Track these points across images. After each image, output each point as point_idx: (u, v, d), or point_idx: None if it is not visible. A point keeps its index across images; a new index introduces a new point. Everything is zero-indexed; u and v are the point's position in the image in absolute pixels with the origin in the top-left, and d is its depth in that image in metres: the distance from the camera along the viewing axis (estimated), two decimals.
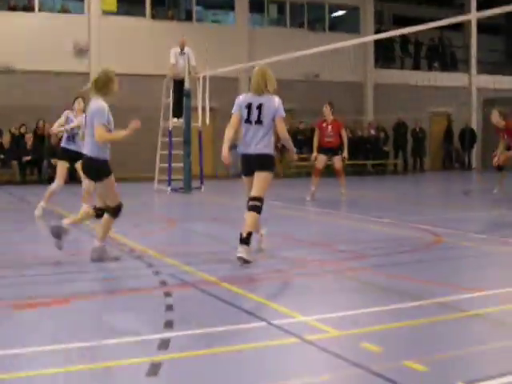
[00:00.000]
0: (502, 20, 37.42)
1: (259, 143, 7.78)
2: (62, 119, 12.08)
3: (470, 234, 9.66)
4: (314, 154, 15.36)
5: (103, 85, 7.61)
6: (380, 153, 28.03)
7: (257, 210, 7.66)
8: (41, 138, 21.92)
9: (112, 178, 7.61)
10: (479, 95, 31.55)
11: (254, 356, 4.43)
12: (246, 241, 7.41)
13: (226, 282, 6.48)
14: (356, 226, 11.12)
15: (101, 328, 5.05)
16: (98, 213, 7.79)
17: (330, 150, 15.49)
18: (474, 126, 32.33)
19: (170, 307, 5.50)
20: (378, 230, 10.61)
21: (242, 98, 7.94)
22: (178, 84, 17.94)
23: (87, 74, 24.02)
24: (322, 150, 15.39)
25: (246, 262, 7.32)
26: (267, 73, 7.89)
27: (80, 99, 11.96)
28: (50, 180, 20.87)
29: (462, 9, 32.39)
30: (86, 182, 10.36)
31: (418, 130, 29.20)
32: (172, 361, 4.24)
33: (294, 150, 8.35)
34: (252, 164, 7.84)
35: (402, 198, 16.40)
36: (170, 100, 18.25)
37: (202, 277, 6.75)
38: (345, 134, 15.68)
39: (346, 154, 15.67)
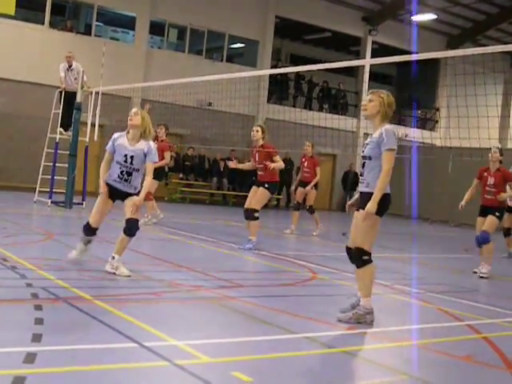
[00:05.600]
0: (394, 71, 38.93)
1: None
2: None
3: (345, 274, 9.85)
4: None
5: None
6: None
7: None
8: None
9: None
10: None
11: (123, 377, 4.36)
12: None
13: (99, 299, 6.37)
14: (234, 255, 11.17)
15: None
16: None
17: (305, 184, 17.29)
18: (357, 169, 33.17)
19: (39, 321, 5.34)
20: (256, 261, 10.70)
21: None
22: (69, 96, 17.64)
23: None
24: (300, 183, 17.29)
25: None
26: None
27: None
28: None
29: (358, 55, 33.40)
30: None
31: None
32: (37, 376, 4.11)
33: None
34: None
35: (281, 233, 16.56)
36: (59, 111, 17.91)
37: (76, 292, 6.61)
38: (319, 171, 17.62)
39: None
